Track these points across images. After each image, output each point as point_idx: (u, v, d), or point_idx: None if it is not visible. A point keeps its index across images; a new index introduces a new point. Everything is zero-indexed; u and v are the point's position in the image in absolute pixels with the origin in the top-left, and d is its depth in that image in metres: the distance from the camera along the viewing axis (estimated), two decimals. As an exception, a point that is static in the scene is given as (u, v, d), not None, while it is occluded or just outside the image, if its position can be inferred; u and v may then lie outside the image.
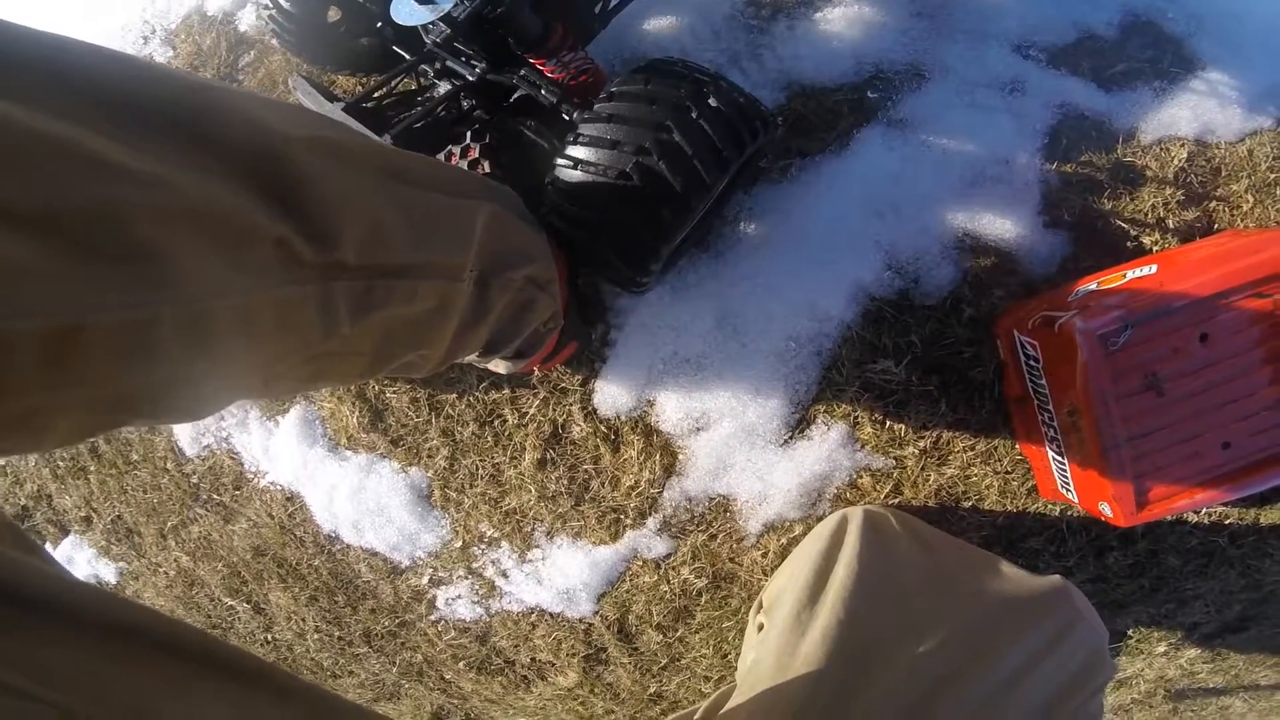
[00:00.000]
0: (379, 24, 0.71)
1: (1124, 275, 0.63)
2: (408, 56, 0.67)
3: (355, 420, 0.84)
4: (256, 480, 0.92)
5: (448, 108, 0.65)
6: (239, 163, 0.32)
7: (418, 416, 0.83)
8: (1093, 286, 0.64)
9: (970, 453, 0.74)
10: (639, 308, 0.78)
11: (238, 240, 0.32)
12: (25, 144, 0.24)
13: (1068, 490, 0.65)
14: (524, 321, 0.60)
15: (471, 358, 0.64)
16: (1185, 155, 0.79)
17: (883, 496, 0.75)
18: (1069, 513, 0.74)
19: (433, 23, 0.58)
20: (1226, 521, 0.75)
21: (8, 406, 0.25)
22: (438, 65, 0.66)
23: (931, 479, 0.75)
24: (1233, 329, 0.59)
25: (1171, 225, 0.77)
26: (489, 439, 0.81)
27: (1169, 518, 0.74)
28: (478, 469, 0.82)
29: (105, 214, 0.26)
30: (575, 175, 0.55)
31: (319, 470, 0.87)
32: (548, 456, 0.80)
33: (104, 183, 0.26)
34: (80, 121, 0.27)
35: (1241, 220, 0.78)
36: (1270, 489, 0.67)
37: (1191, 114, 0.81)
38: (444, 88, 0.65)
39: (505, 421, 0.81)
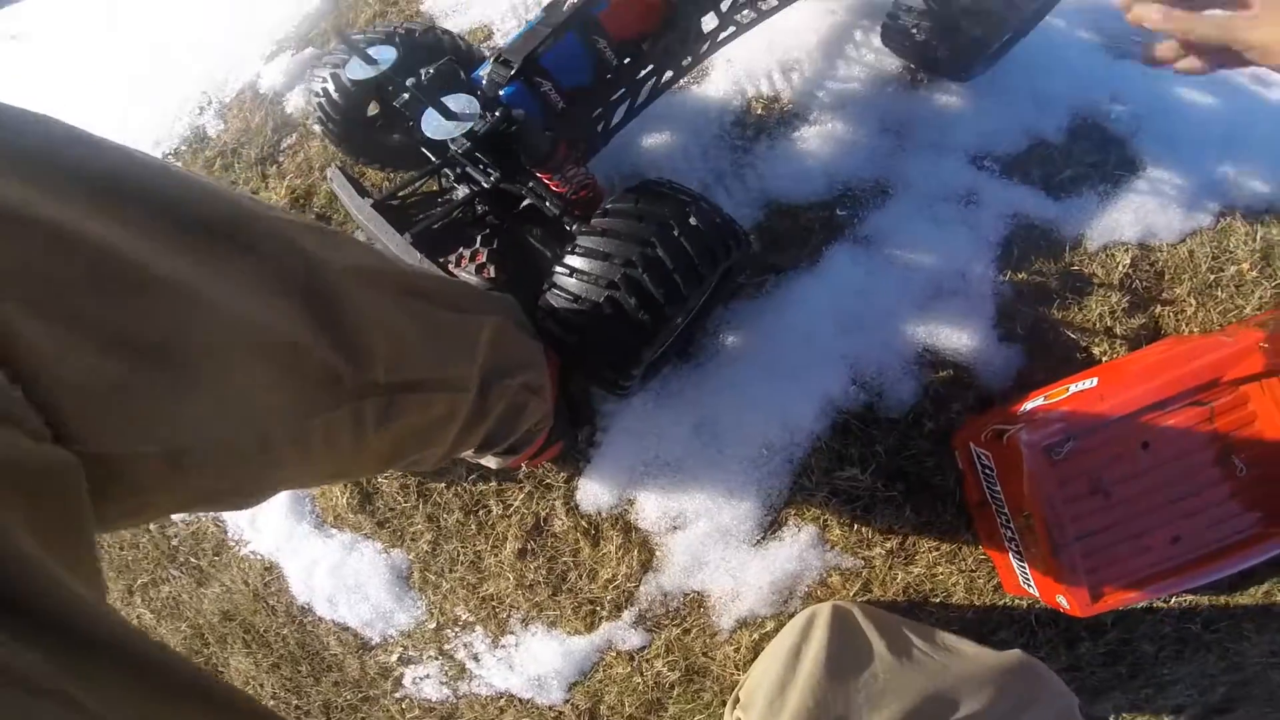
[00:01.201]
0: (410, 123, 0.76)
1: (1067, 390, 0.66)
2: (433, 158, 0.71)
3: (345, 501, 0.84)
4: (238, 549, 0.90)
5: (464, 211, 0.69)
6: (304, 293, 0.36)
7: (405, 502, 0.83)
8: (1040, 401, 0.67)
9: (935, 553, 0.75)
10: (624, 412, 0.80)
11: (301, 373, 0.36)
12: (139, 278, 0.28)
13: (1029, 585, 0.67)
14: (518, 422, 0.62)
15: (466, 453, 0.66)
16: (1129, 260, 0.83)
17: (852, 594, 0.76)
18: (1036, 606, 0.74)
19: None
20: (1198, 608, 0.75)
21: (127, 504, 0.30)
22: (457, 170, 0.70)
23: (899, 578, 0.75)
24: (1173, 435, 0.62)
25: (1119, 333, 0.80)
26: (472, 527, 0.81)
27: (1139, 605, 0.74)
28: (459, 555, 0.81)
29: (211, 349, 0.30)
30: (570, 283, 0.59)
31: (302, 544, 0.86)
32: (528, 547, 0.79)
33: (207, 322, 0.30)
34: (178, 252, 0.30)
35: (1186, 325, 0.81)
36: (1238, 574, 0.70)
37: (1134, 217, 0.86)
38: (462, 191, 0.69)
39: (490, 512, 0.81)
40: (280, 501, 0.87)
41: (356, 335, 0.39)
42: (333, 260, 0.39)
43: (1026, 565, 0.66)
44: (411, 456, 0.51)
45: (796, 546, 0.76)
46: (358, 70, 0.69)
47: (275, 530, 0.87)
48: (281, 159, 1.05)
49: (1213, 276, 0.83)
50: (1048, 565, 0.62)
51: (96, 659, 0.22)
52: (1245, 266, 0.84)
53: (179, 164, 1.10)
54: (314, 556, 0.85)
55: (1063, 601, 0.62)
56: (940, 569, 0.75)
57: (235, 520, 0.91)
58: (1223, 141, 0.92)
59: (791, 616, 0.73)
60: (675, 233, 0.58)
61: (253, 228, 0.35)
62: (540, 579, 0.79)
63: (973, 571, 0.75)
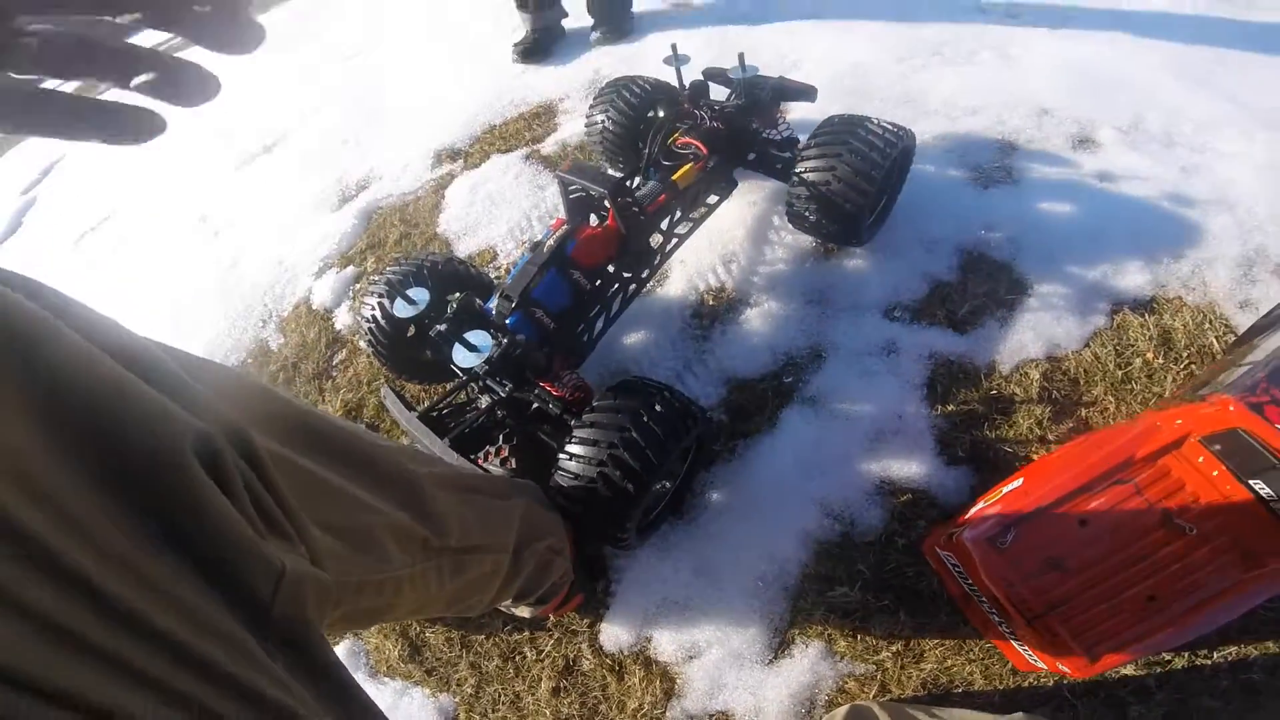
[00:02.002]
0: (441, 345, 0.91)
1: (1000, 492, 0.74)
2: (461, 374, 0.86)
3: (397, 653, 0.93)
4: (296, 698, 0.97)
5: (487, 416, 0.84)
6: (408, 495, 0.54)
7: (451, 651, 0.91)
8: (981, 505, 0.75)
9: (941, 648, 0.78)
10: (633, 565, 0.90)
11: (410, 540, 0.52)
12: (339, 498, 0.46)
13: (1035, 661, 0.69)
14: (545, 577, 0.75)
15: (505, 603, 0.78)
16: (1040, 375, 0.89)
17: (871, 695, 0.78)
18: (1064, 681, 0.74)
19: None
20: (1249, 658, 0.72)
21: (337, 628, 0.44)
22: (480, 384, 0.85)
23: (913, 676, 0.77)
24: (1108, 510, 0.67)
25: (1051, 439, 0.85)
26: (510, 671, 0.88)
27: (1180, 666, 0.73)
28: (500, 696, 0.88)
29: (374, 528, 0.48)
30: (571, 465, 0.73)
31: (356, 691, 0.93)
32: (561, 685, 0.86)
33: (370, 514, 0.48)
34: (349, 479, 0.48)
35: (1112, 420, 0.85)
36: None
37: (1035, 334, 0.93)
38: (484, 401, 0.85)
39: (525, 657, 0.89)
40: (339, 654, 0.95)
41: (438, 516, 0.56)
42: (420, 470, 0.57)
43: (1023, 643, 0.69)
44: (469, 601, 0.66)
45: (807, 660, 0.80)
46: (402, 309, 0.86)
47: (331, 680, 0.95)
48: (335, 374, 1.21)
49: (1121, 372, 0.88)
50: (1032, 638, 0.66)
51: (348, 701, 0.35)
52: (1149, 355, 0.90)
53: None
54: (366, 703, 0.92)
55: (1063, 668, 0.65)
56: (951, 661, 0.77)
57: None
58: (1091, 243, 1.01)
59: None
60: (645, 419, 0.72)
61: (376, 456, 0.53)
62: (575, 713, 0.84)
63: (984, 660, 0.76)
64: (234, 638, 0.29)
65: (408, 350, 0.97)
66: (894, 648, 0.79)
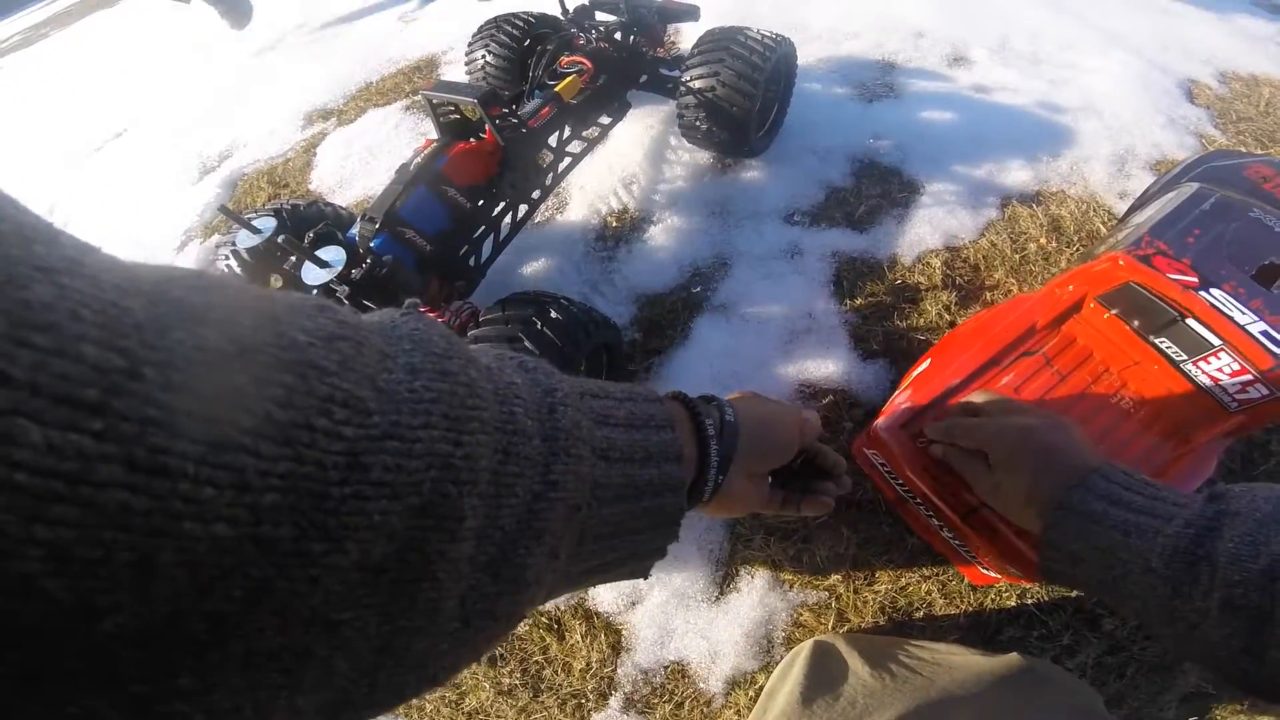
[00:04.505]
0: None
1: (910, 376, 0.64)
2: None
3: None
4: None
5: None
6: None
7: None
8: (896, 394, 0.64)
9: (892, 566, 0.67)
10: None
11: None
12: None
13: (986, 570, 0.57)
14: None
15: None
16: (941, 263, 0.84)
17: (830, 627, 0.66)
18: (1031, 594, 0.64)
19: (334, 282, 0.64)
20: None
21: None
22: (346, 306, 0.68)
23: (869, 600, 0.66)
24: (1022, 385, 0.57)
25: (960, 322, 0.77)
26: (440, 645, 0.72)
27: None
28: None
29: None
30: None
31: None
32: (497, 654, 0.71)
33: None
34: None
35: None
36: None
37: (931, 228, 0.89)
38: None
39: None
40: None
41: None
42: None
43: (971, 550, 0.57)
44: None
45: (755, 593, 0.68)
46: (245, 240, 0.69)
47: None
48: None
49: (1019, 256, 0.85)
50: (972, 538, 0.53)
51: None
52: (1042, 240, 0.87)
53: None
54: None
55: (1014, 571, 0.53)
56: (905, 580, 0.67)
57: None
58: (974, 146, 0.99)
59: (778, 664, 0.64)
60: (539, 326, 0.59)
61: None
62: (517, 683, 0.70)
63: (939, 575, 0.66)
64: None
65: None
66: (843, 570, 0.68)
